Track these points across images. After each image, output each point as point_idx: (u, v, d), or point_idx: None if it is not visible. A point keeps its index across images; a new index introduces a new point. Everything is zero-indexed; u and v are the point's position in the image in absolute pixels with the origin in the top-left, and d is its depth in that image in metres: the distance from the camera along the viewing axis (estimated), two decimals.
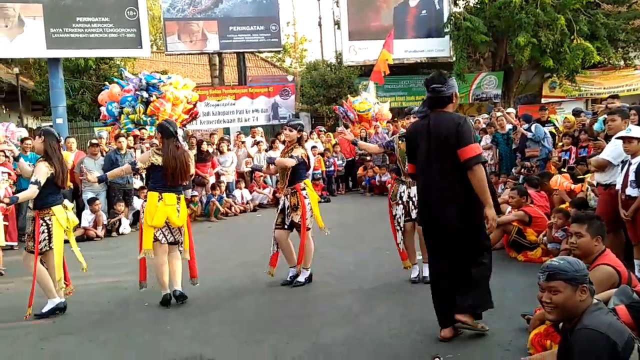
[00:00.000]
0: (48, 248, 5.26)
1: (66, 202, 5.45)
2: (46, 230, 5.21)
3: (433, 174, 4.06)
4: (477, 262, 4.05)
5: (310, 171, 13.07)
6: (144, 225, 5.45)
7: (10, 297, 6.19)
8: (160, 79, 12.30)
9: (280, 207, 5.99)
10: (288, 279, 5.96)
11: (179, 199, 5.47)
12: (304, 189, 5.88)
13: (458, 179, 3.94)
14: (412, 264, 5.84)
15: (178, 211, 5.43)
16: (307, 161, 5.98)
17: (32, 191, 5.15)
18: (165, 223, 5.40)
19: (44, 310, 5.27)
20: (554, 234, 6.14)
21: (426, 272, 5.79)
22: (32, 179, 5.15)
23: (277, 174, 6.20)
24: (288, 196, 5.88)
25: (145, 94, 11.97)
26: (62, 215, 5.29)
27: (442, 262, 4.16)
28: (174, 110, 12.23)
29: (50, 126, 10.45)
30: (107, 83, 13.98)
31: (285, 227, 5.91)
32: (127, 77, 12.68)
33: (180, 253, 5.59)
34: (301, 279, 5.91)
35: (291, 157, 5.81)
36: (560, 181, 7.15)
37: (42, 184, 5.11)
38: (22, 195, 5.37)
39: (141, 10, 15.95)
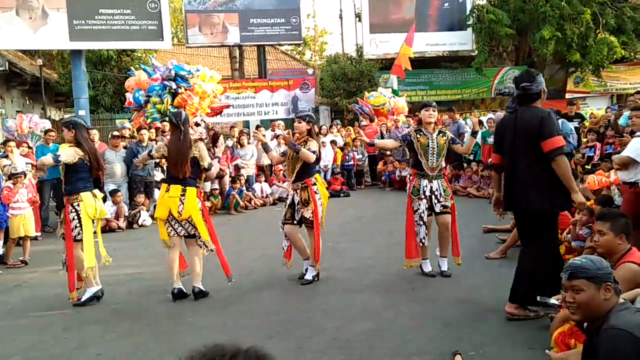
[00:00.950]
0: (82, 237, 5.28)
1: (96, 191, 5.49)
2: (76, 217, 5.26)
3: (520, 167, 4.33)
4: (543, 254, 4.31)
5: (330, 166, 13.20)
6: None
7: (34, 286, 6.28)
8: (189, 70, 12.13)
9: (289, 201, 5.88)
10: (304, 271, 5.90)
11: (184, 190, 5.32)
12: (314, 184, 5.77)
13: (542, 170, 4.19)
14: (424, 258, 5.82)
15: (182, 203, 5.29)
16: (319, 154, 5.90)
17: (44, 159, 5.29)
18: (172, 215, 5.33)
19: (83, 298, 5.34)
20: (578, 232, 6.04)
21: (445, 267, 5.80)
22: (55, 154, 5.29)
23: (284, 163, 6.14)
24: (298, 191, 5.77)
25: (173, 85, 11.81)
26: (90, 202, 5.33)
27: (526, 248, 4.51)
28: (200, 104, 12.11)
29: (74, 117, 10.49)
30: (132, 69, 13.93)
31: (295, 222, 5.80)
32: (154, 65, 12.60)
33: (200, 247, 5.47)
34: (309, 276, 5.79)
35: (313, 152, 5.66)
36: (598, 179, 6.64)
37: (60, 160, 5.18)
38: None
39: (163, 2, 15.99)
